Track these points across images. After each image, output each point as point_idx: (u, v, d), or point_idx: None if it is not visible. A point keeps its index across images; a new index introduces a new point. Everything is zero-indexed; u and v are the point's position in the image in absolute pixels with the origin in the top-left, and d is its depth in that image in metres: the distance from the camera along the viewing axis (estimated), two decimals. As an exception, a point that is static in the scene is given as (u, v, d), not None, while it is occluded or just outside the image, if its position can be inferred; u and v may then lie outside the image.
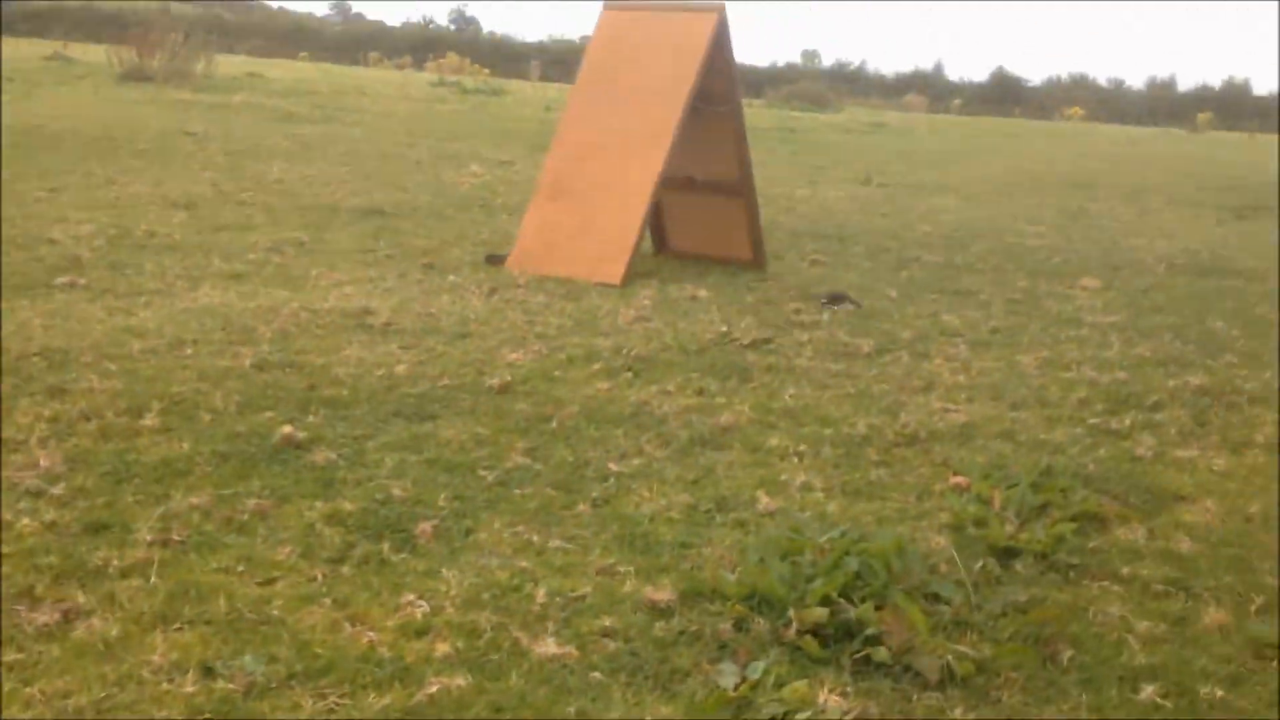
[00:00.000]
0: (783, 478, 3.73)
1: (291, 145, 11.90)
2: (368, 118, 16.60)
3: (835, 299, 6.21)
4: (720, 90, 6.72)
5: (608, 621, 2.66)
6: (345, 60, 35.85)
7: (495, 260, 6.75)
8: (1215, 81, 47.50)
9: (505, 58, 36.75)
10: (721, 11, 6.60)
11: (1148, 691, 2.57)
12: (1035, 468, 3.88)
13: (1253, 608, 3.05)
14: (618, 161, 6.55)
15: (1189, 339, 6.02)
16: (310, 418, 3.90)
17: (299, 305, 5.38)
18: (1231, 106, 41.46)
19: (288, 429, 3.72)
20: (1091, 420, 4.54)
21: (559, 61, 33.74)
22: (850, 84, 38.95)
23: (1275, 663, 2.77)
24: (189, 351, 4.57)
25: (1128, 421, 4.55)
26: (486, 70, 31.18)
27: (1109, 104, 40.80)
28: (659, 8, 6.93)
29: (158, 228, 7.10)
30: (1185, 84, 47.21)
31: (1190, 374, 5.28)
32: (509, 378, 4.49)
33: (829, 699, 2.42)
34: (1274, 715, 2.56)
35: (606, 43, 6.90)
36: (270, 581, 2.76)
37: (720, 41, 6.64)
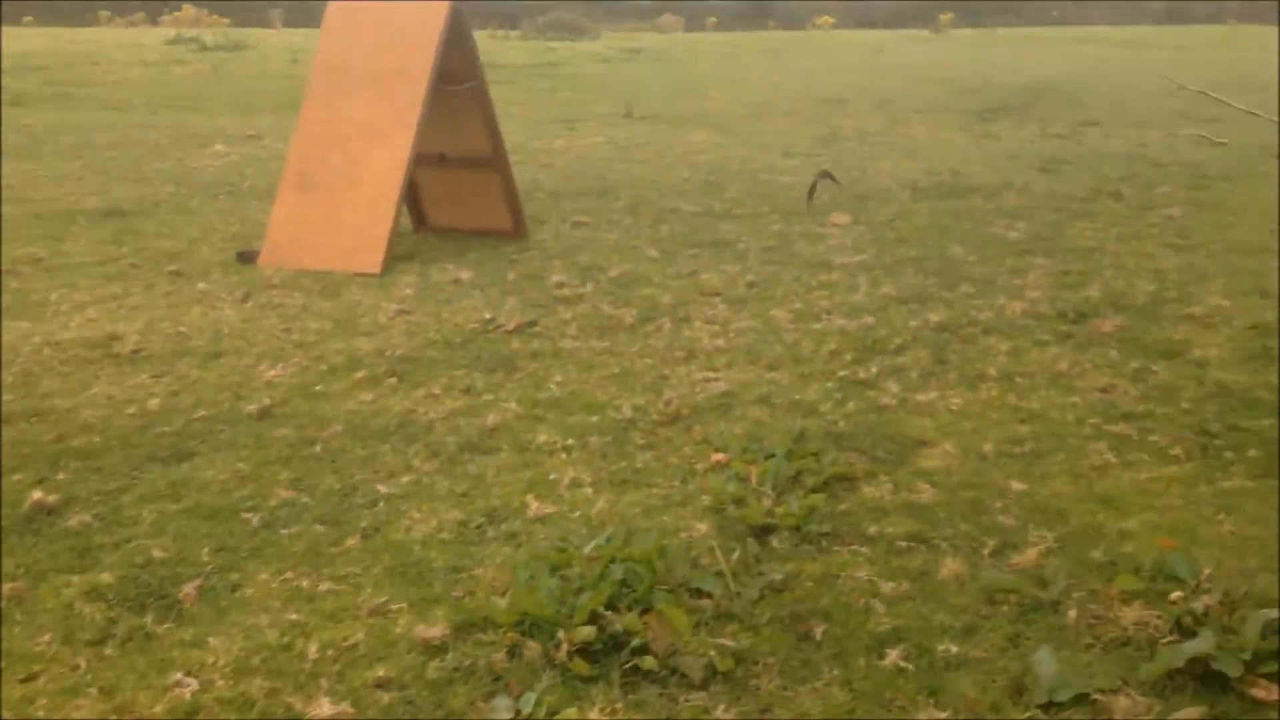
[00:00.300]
0: (552, 476, 3.82)
1: (20, 139, 11.19)
2: (101, 91, 15.71)
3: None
4: (462, 69, 6.68)
5: (382, 670, 2.71)
6: (75, 21, 33.64)
7: (247, 258, 6.56)
8: (954, -21, 49.56)
9: (245, 5, 35.12)
10: (455, -5, 6.54)
11: (892, 656, 2.78)
12: (790, 434, 4.05)
13: (986, 551, 3.30)
14: (363, 148, 6.45)
15: (930, 271, 6.37)
16: (61, 475, 3.77)
17: (41, 339, 5.14)
18: (970, 5, 43.24)
19: (38, 493, 3.58)
20: (841, 373, 4.78)
21: (302, 5, 32.49)
22: (606, 7, 38.87)
23: (1005, 608, 3.03)
24: (-76, 411, 4.33)
25: (874, 369, 4.81)
26: (226, 20, 29.79)
27: (857, 10, 41.97)
28: (387, -11, 6.81)
29: (-122, 257, 6.63)
30: (927, -16, 49.01)
31: (930, 310, 5.60)
32: (268, 400, 4.43)
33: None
34: (1004, 662, 2.80)
35: (338, 34, 6.74)
36: (32, 677, 2.69)
37: (457, 20, 6.58)
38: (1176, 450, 3.98)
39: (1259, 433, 4.10)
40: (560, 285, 6.08)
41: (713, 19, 37.88)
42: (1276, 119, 13.40)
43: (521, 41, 26.17)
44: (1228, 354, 4.95)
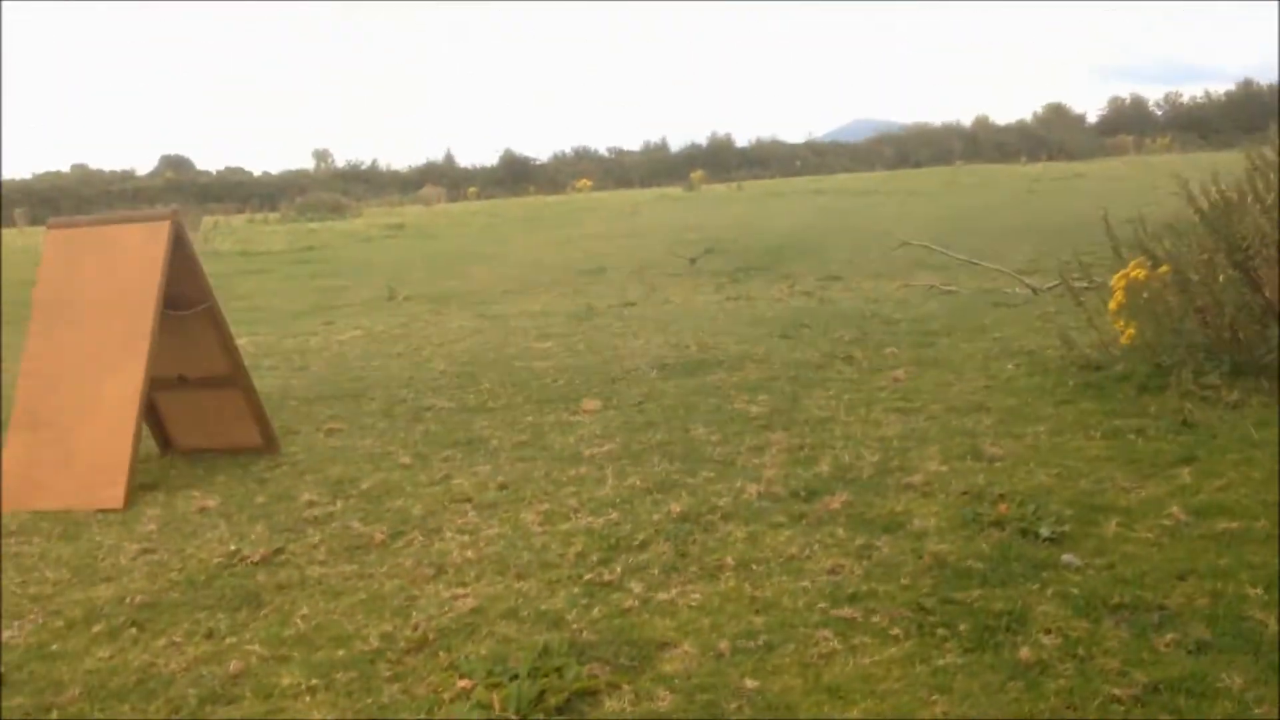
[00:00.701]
0: (295, 726, 3.80)
1: None
2: None
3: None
4: (190, 294, 6.72)
5: None
6: None
7: (-19, 503, 6.32)
8: (702, 139, 52.56)
9: (-11, 202, 33.98)
10: (175, 218, 6.61)
11: None
12: (535, 650, 4.15)
13: (720, 765, 3.45)
14: (94, 381, 6.35)
15: (675, 455, 6.63)
16: None
17: None
18: (719, 160, 45.77)
19: None
20: (587, 576, 4.91)
21: (48, 201, 31.63)
22: (366, 183, 39.28)
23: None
24: None
25: (619, 569, 4.96)
26: (-32, 220, 28.72)
27: (613, 171, 43.72)
28: (107, 221, 6.84)
29: None
30: (676, 144, 51.71)
31: (673, 498, 5.82)
32: (2, 667, 4.26)
33: None
34: None
35: (59, 265, 6.70)
36: None
37: (180, 247, 6.64)
38: (896, 630, 4.24)
39: (969, 604, 4.41)
40: (310, 504, 6.07)
41: (472, 188, 38.75)
42: (995, 265, 14.61)
43: (280, 225, 26.11)
44: (943, 523, 5.32)
